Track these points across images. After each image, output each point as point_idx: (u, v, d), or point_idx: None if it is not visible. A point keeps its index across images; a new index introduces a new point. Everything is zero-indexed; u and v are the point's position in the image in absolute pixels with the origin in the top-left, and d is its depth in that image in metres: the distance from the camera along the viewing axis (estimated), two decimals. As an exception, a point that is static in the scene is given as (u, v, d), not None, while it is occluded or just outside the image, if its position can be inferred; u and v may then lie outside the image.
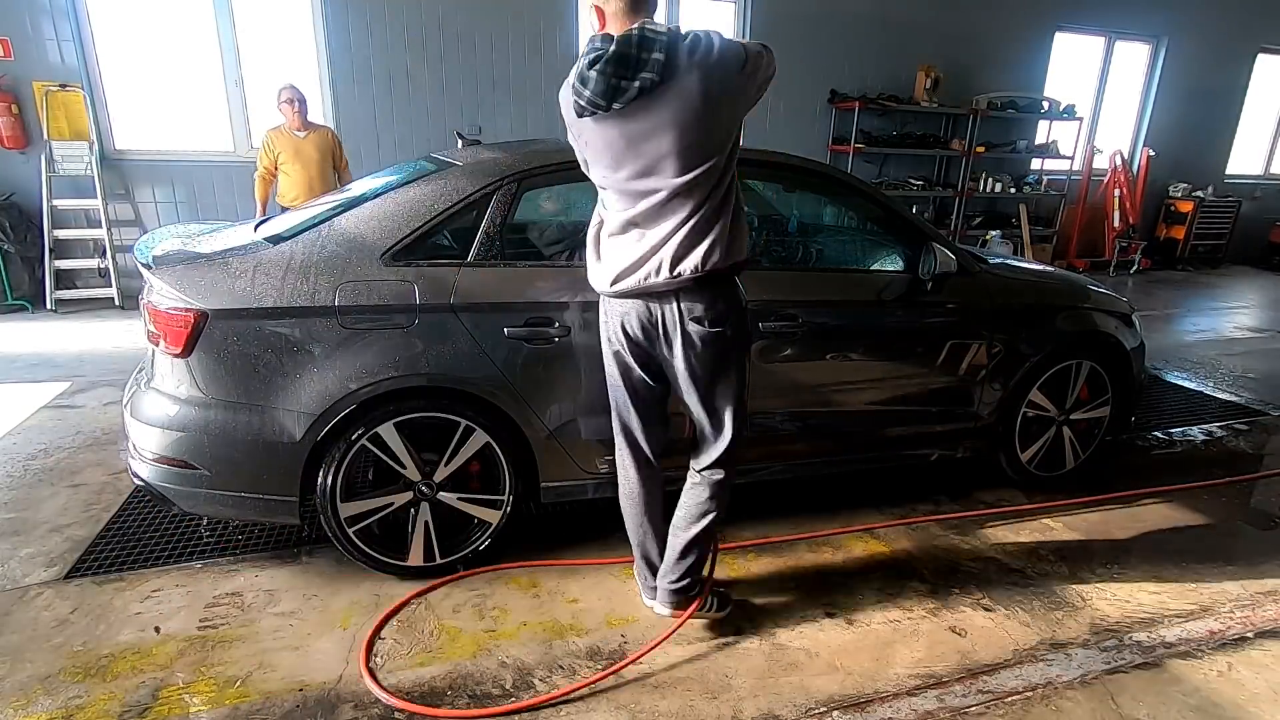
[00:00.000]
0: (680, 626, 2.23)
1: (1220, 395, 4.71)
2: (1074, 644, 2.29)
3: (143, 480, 2.33)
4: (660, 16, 7.31)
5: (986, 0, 8.02)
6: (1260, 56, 9.64)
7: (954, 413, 3.02)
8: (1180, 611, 2.47)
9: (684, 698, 2.01)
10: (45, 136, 5.62)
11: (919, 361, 2.90)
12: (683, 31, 1.75)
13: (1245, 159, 10.26)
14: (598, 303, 2.24)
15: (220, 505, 2.35)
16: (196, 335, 2.17)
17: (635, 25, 1.72)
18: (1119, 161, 8.74)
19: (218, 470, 2.26)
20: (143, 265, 2.31)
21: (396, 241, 2.32)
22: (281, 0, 6.02)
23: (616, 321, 2.01)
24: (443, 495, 2.43)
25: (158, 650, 2.12)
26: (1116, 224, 8.90)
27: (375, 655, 2.13)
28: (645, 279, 1.88)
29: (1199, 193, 9.49)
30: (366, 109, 6.26)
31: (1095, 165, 8.97)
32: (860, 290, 2.83)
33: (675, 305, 1.91)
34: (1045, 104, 8.43)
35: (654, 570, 2.29)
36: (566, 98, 1.81)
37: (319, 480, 2.30)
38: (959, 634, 2.32)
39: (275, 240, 2.34)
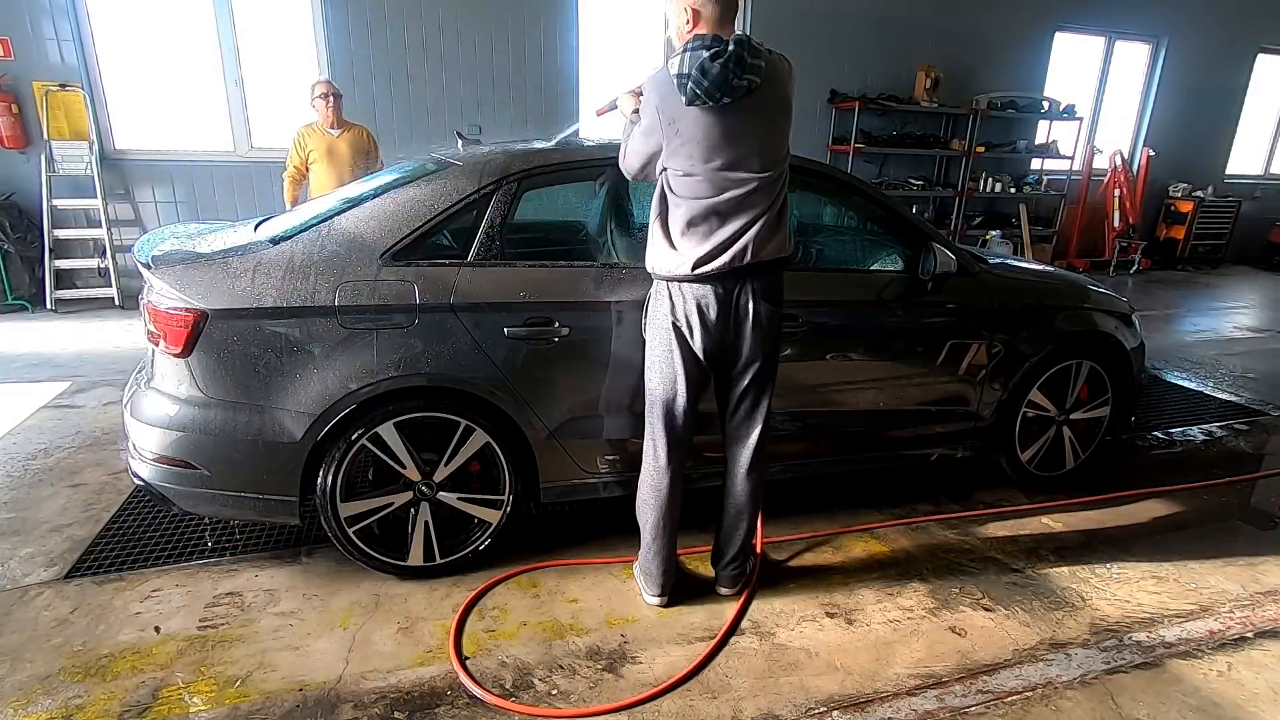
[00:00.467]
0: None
1: (1220, 395, 4.71)
2: (1074, 644, 2.29)
3: (143, 480, 2.33)
4: (660, 16, 7.23)
5: (986, 0, 8.02)
6: (1260, 56, 9.64)
7: (954, 413, 3.02)
8: (1180, 611, 2.47)
9: (684, 698, 2.01)
10: (45, 136, 5.62)
11: (919, 361, 2.90)
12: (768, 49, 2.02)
13: (1245, 159, 10.27)
14: (596, 303, 2.25)
15: (220, 505, 2.35)
16: (196, 335, 2.17)
17: (738, 32, 1.97)
18: (1119, 161, 8.74)
19: (218, 470, 2.26)
20: (143, 265, 2.31)
21: (396, 241, 2.32)
22: (281, 0, 6.02)
23: (692, 304, 2.10)
24: (443, 495, 2.43)
25: (158, 650, 2.12)
26: (1116, 224, 8.91)
27: (464, 650, 2.13)
28: (732, 261, 2.05)
29: (1199, 193, 9.49)
30: (366, 109, 6.26)
31: (1095, 165, 8.97)
32: (860, 290, 2.83)
33: (750, 287, 2.11)
34: (1045, 104, 8.43)
35: (666, 570, 2.34)
36: (669, 86, 1.97)
37: (319, 480, 2.30)
38: (959, 634, 2.32)
39: (275, 240, 2.34)
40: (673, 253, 2.09)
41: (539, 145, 2.66)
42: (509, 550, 2.58)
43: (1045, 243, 8.94)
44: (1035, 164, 8.91)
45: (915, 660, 2.19)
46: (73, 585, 2.41)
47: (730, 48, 1.89)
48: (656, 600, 2.37)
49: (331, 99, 4.70)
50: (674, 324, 2.13)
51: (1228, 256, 9.89)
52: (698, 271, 2.06)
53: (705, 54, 1.90)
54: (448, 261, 2.37)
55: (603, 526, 2.77)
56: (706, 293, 2.09)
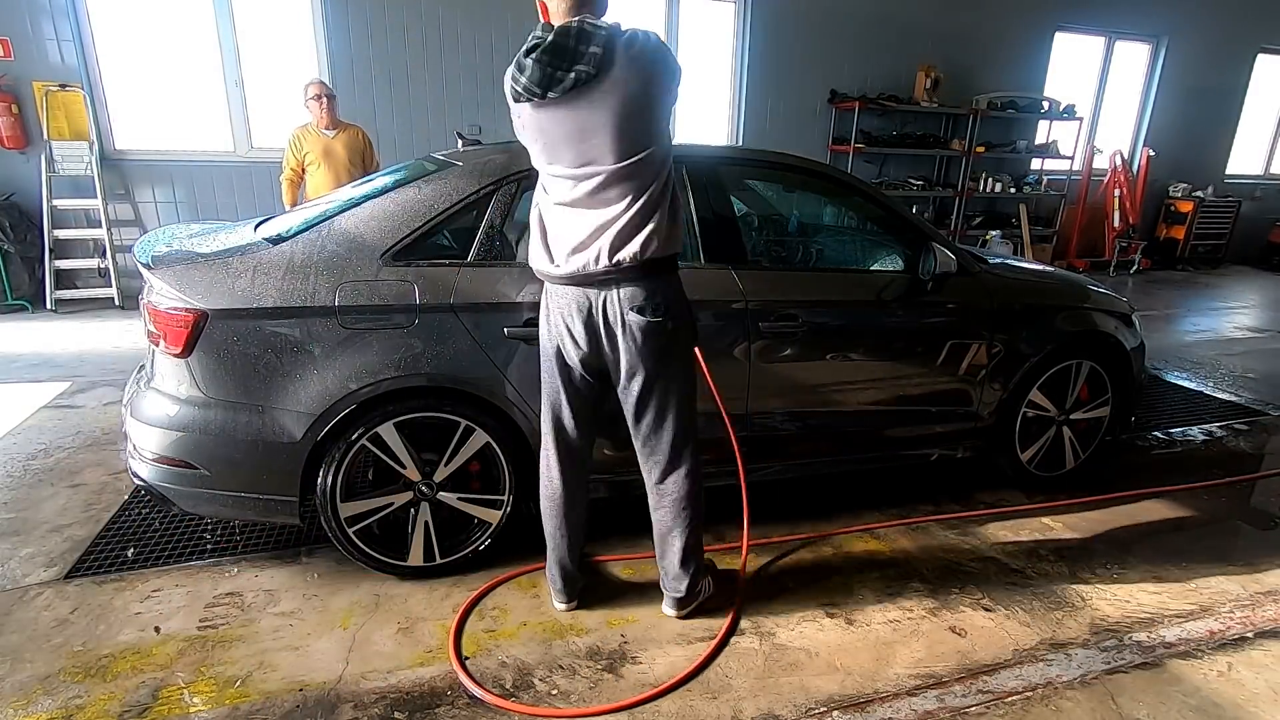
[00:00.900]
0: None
1: (1220, 395, 4.71)
2: (1074, 644, 2.29)
3: (143, 480, 2.33)
4: (660, 16, 7.21)
5: (986, 0, 8.02)
6: (1260, 56, 9.64)
7: (954, 413, 3.02)
8: (1180, 611, 2.47)
9: (684, 698, 2.01)
10: (45, 136, 5.62)
11: (919, 361, 2.90)
12: (622, 28, 1.81)
13: (1245, 159, 10.26)
14: None
15: (220, 505, 2.35)
16: (196, 335, 2.17)
17: (575, 19, 1.79)
18: (1119, 161, 8.74)
19: (218, 470, 2.26)
20: (143, 265, 2.31)
21: (396, 241, 2.32)
22: (281, 0, 6.02)
23: (558, 314, 2.02)
24: (443, 495, 2.43)
25: (158, 650, 2.12)
26: (1116, 224, 8.90)
27: (463, 652, 2.13)
28: (585, 266, 1.91)
29: (1199, 193, 9.49)
30: (366, 109, 6.26)
31: (1095, 165, 8.97)
32: (860, 290, 2.83)
33: (616, 294, 1.94)
34: (1045, 104, 8.43)
35: (566, 577, 2.30)
36: (507, 83, 1.87)
37: (319, 480, 2.30)
38: (959, 634, 2.32)
39: (275, 240, 2.34)
40: (541, 250, 2.00)
41: None
42: (509, 550, 2.58)
43: (1045, 243, 8.94)
44: (1035, 164, 8.91)
45: (915, 660, 2.19)
46: (73, 585, 2.41)
47: (549, 39, 1.76)
48: (563, 606, 2.34)
49: (325, 100, 4.62)
50: (548, 332, 2.07)
51: (1228, 256, 9.89)
52: (557, 272, 1.96)
53: (523, 48, 1.80)
54: (448, 261, 2.37)
55: (602, 527, 2.77)
56: (569, 302, 1.98)
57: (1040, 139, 8.71)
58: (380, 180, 2.69)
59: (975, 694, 2.06)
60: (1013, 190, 8.65)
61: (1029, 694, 2.07)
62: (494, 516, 2.50)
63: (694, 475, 2.16)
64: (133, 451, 2.35)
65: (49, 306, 5.76)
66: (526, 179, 2.47)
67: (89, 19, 5.64)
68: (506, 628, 2.27)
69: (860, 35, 7.65)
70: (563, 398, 2.12)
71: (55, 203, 5.69)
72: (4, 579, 2.43)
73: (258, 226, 2.68)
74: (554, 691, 2.02)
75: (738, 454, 2.32)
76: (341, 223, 2.37)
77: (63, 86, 5.61)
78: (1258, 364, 5.45)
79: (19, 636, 2.16)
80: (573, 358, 2.06)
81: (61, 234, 5.78)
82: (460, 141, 3.20)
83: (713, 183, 2.67)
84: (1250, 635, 2.36)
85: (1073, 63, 8.90)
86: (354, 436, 2.28)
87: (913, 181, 8.23)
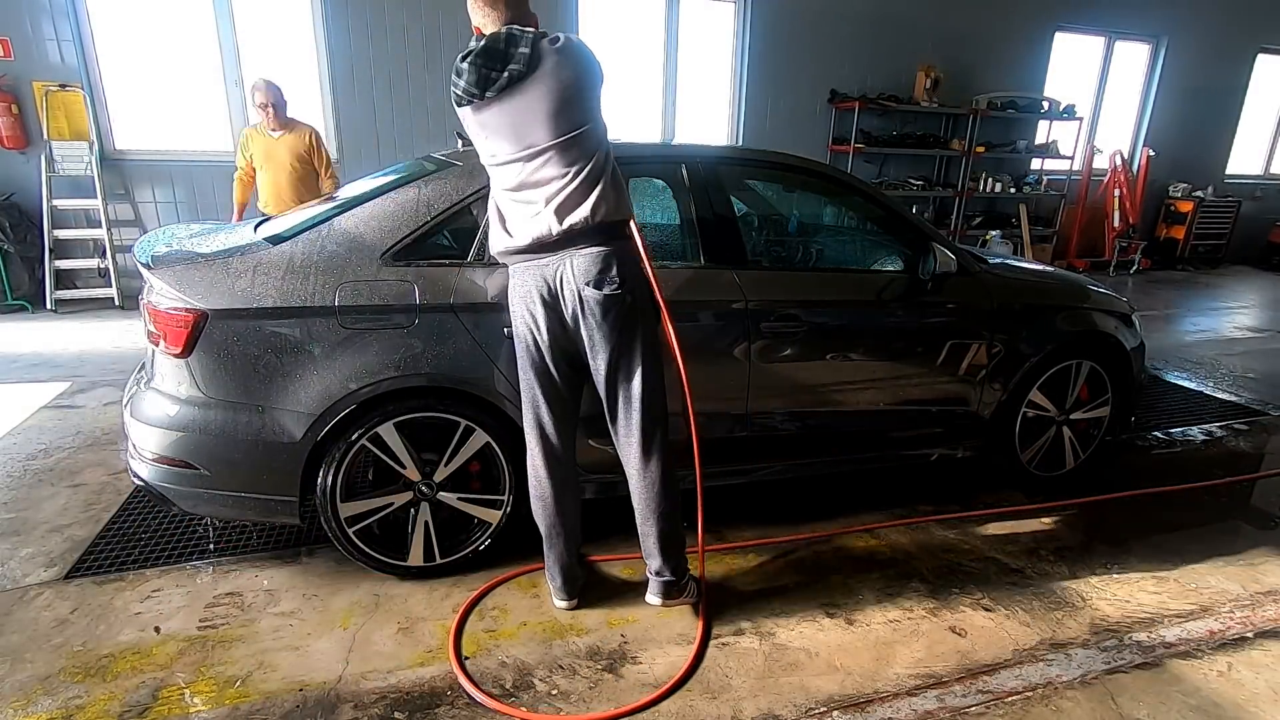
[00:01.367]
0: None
1: (1220, 395, 4.71)
2: (1074, 644, 2.29)
3: (143, 480, 2.33)
4: (660, 17, 7.21)
5: (986, 0, 8.02)
6: (1260, 56, 9.64)
7: (954, 413, 3.02)
8: (1180, 611, 2.47)
9: (684, 698, 2.01)
10: (45, 136, 5.62)
11: (919, 362, 2.90)
12: (547, 34, 1.98)
13: (1245, 159, 10.27)
14: None
15: (220, 505, 2.35)
16: (196, 335, 2.17)
17: (504, 27, 1.95)
18: (1119, 161, 8.74)
19: (218, 470, 2.26)
20: (143, 265, 2.31)
21: (397, 241, 2.32)
22: (281, 0, 6.02)
23: (521, 302, 2.09)
24: (443, 495, 2.43)
25: (158, 650, 2.12)
26: (1116, 224, 8.90)
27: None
28: (538, 237, 2.00)
29: (1199, 193, 9.49)
30: (366, 109, 6.26)
31: (1095, 165, 8.97)
32: (860, 290, 2.83)
33: (570, 267, 2.01)
34: (1045, 104, 8.44)
35: (567, 574, 2.32)
36: (452, 91, 2.01)
37: (319, 480, 2.30)
38: (959, 634, 2.32)
39: (275, 240, 2.34)
40: (498, 234, 2.12)
41: None
42: (509, 550, 2.58)
43: (1045, 243, 8.94)
44: (1035, 164, 8.91)
45: (915, 660, 2.19)
46: (73, 585, 2.41)
47: (480, 44, 1.93)
48: (564, 604, 2.34)
49: (271, 109, 4.35)
50: (519, 322, 2.12)
51: (1228, 256, 9.89)
52: (514, 247, 2.05)
53: (459, 56, 1.96)
54: (448, 262, 2.37)
55: (603, 526, 2.77)
56: (530, 287, 2.06)
57: (1040, 139, 8.72)
58: (380, 180, 2.69)
59: (975, 694, 2.06)
60: (1013, 190, 8.65)
61: (1029, 694, 2.07)
62: (494, 516, 2.50)
63: (665, 459, 2.18)
64: (133, 451, 2.35)
65: (49, 306, 5.76)
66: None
67: (89, 19, 5.64)
68: (507, 628, 2.27)
69: (860, 35, 7.66)
70: (537, 390, 2.15)
71: (55, 203, 5.69)
72: (4, 579, 2.43)
73: (258, 227, 2.68)
74: (554, 692, 2.02)
75: (696, 450, 2.21)
76: (341, 223, 2.37)
77: (63, 86, 5.61)
78: (1257, 364, 5.45)
79: (19, 636, 2.16)
80: (543, 343, 2.09)
81: (61, 234, 5.79)
82: (460, 142, 3.20)
83: (712, 183, 2.67)
84: (1250, 635, 2.36)
85: (1072, 63, 8.90)
86: (354, 436, 2.28)
87: (913, 181, 8.23)
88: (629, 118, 7.24)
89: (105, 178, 5.81)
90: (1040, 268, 3.71)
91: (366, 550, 2.40)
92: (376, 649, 2.16)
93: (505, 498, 2.49)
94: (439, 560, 2.47)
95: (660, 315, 2.15)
